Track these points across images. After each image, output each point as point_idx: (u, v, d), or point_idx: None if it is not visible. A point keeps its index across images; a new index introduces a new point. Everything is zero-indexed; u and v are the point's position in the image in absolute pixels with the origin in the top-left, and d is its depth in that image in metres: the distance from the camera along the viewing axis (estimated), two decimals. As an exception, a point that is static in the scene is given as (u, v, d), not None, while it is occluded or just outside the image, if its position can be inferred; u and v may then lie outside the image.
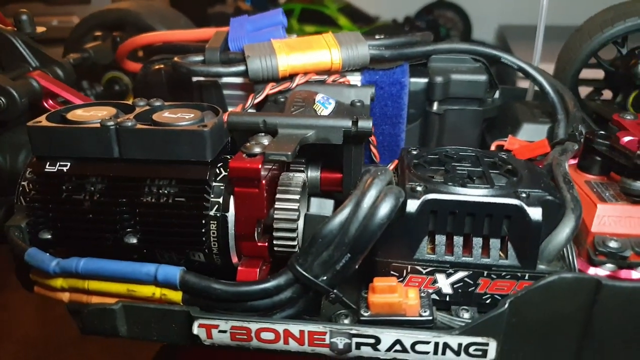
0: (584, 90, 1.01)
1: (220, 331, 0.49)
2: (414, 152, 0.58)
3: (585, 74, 0.98)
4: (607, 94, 0.99)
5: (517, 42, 2.00)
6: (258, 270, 0.56)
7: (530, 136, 0.70)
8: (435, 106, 0.71)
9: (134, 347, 1.32)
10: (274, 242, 0.55)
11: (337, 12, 2.06)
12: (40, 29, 0.75)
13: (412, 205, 0.49)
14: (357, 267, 0.49)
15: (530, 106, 0.78)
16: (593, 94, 1.00)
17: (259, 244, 0.56)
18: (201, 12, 1.91)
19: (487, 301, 0.52)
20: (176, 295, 0.51)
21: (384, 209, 0.47)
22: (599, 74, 0.98)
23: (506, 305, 0.47)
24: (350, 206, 0.49)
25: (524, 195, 0.49)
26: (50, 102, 0.71)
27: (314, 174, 0.65)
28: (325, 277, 0.49)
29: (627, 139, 0.63)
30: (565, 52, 0.97)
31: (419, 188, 0.50)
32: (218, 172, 0.56)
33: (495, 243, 0.51)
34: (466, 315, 0.52)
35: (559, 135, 0.67)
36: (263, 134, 0.57)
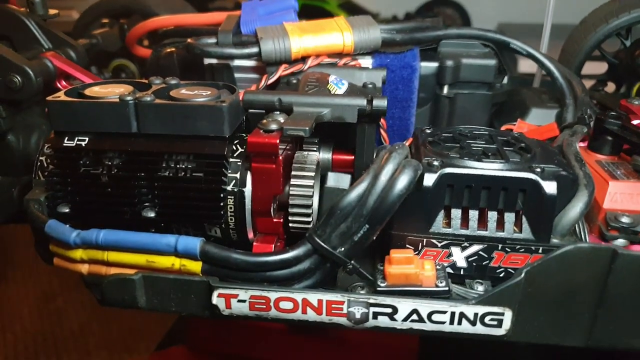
0: (588, 83, 1.02)
1: (239, 301, 0.50)
2: (428, 131, 0.59)
3: (588, 68, 1.00)
4: (611, 88, 1.01)
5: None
6: (273, 246, 0.57)
7: (538, 121, 0.72)
8: (445, 90, 0.72)
9: (132, 339, 1.32)
10: (289, 218, 0.56)
11: (338, 8, 2.08)
12: (52, 11, 0.76)
13: (429, 179, 0.50)
14: (374, 238, 0.50)
15: (538, 92, 0.79)
16: (596, 87, 1.01)
17: (275, 220, 0.56)
18: (202, 7, 1.92)
19: (501, 275, 0.53)
20: (196, 266, 0.51)
21: (402, 181, 0.48)
22: (601, 68, 1.00)
23: (522, 275, 0.47)
24: (368, 179, 0.49)
25: (538, 170, 0.50)
26: (64, 83, 0.71)
27: (326, 155, 0.65)
28: (342, 249, 0.50)
29: (635, 122, 0.64)
30: (570, 43, 0.98)
31: (435, 162, 0.51)
32: (235, 148, 0.56)
33: (509, 217, 0.51)
34: (480, 288, 0.53)
35: (567, 119, 0.68)
36: (278, 112, 0.57)
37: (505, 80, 0.76)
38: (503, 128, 0.69)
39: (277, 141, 0.52)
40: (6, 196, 0.68)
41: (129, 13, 1.00)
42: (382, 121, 0.70)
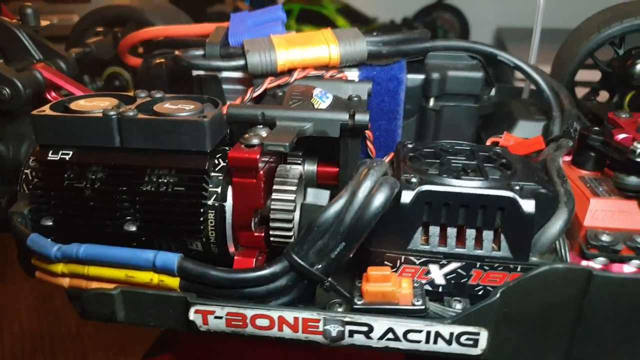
0: (580, 92, 1.02)
1: (216, 317, 0.50)
2: (410, 146, 0.59)
3: (583, 75, 0.99)
4: (605, 96, 1.00)
5: (514, 45, 2.01)
6: (254, 260, 0.57)
7: (525, 133, 0.71)
8: (431, 102, 0.72)
9: (129, 341, 1.33)
10: (270, 232, 0.56)
11: (336, 12, 2.08)
12: (44, 23, 0.76)
13: (407, 196, 0.50)
14: (351, 256, 0.50)
15: (526, 104, 0.79)
16: (589, 95, 1.01)
17: (256, 234, 0.57)
18: (200, 11, 1.92)
19: (480, 292, 0.53)
20: (174, 282, 0.52)
21: (379, 199, 0.48)
22: (595, 75, 0.99)
23: (498, 295, 0.47)
24: (346, 196, 0.50)
25: (517, 187, 0.50)
26: (53, 93, 0.72)
27: (310, 167, 0.66)
28: (320, 266, 0.50)
29: (621, 136, 0.64)
30: (563, 52, 0.98)
31: (413, 179, 0.51)
32: (217, 162, 0.57)
33: (488, 235, 0.51)
34: (458, 306, 0.53)
35: (554, 132, 0.68)
36: (261, 126, 0.58)
37: (493, 92, 0.75)
38: (489, 141, 0.69)
39: (257, 156, 0.52)
40: (-5, 205, 0.69)
41: (123, 21, 1.00)
42: (369, 133, 0.70)
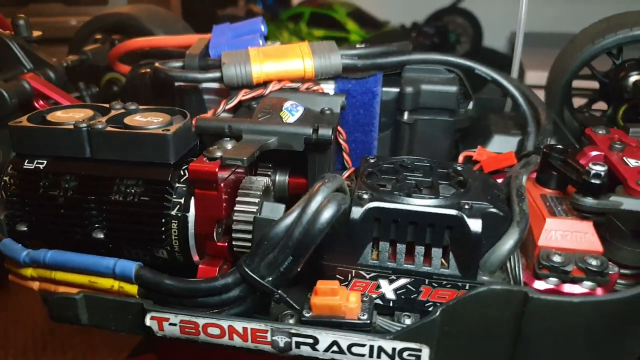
0: (578, 102, 1.01)
1: (170, 324, 0.52)
2: (372, 161, 0.60)
3: (584, 85, 0.99)
4: (603, 106, 0.99)
5: (528, 49, 1.98)
6: (218, 268, 0.59)
7: (501, 147, 0.71)
8: (405, 115, 0.72)
9: (132, 339, 1.35)
10: (233, 242, 0.58)
11: (346, 16, 2.07)
12: (36, 33, 0.80)
13: (356, 212, 0.51)
14: (299, 269, 0.51)
15: (505, 117, 0.79)
16: (586, 105, 1.00)
17: (219, 244, 0.58)
18: (212, 14, 1.94)
19: (430, 308, 0.53)
20: (132, 288, 0.54)
21: (325, 215, 0.49)
22: (594, 84, 0.98)
23: (437, 313, 0.48)
24: (297, 211, 0.51)
25: (466, 206, 0.51)
26: (41, 102, 0.75)
27: (282, 178, 0.67)
28: (270, 278, 0.51)
29: (594, 153, 0.64)
30: (559, 62, 0.97)
31: (365, 196, 0.52)
32: (182, 173, 0.59)
33: (437, 252, 0.52)
34: (407, 321, 0.53)
35: (527, 147, 0.68)
36: (228, 138, 0.59)
37: (471, 105, 0.75)
38: (462, 155, 0.70)
39: (216, 169, 0.54)
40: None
41: (122, 28, 1.03)
42: (345, 145, 0.71)
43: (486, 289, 0.47)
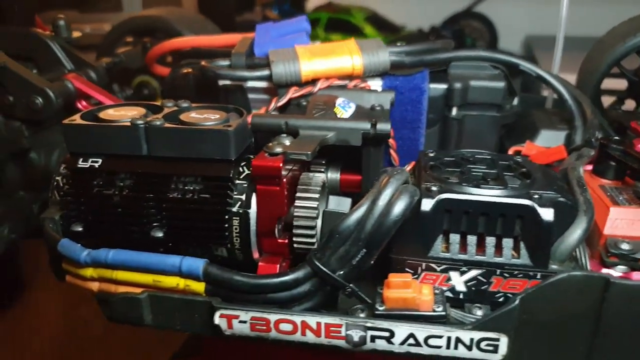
0: (608, 100, 1.01)
1: (240, 321, 0.51)
2: (431, 155, 0.60)
3: (611, 84, 0.99)
4: (631, 104, 0.99)
5: (544, 53, 1.99)
6: (278, 266, 0.58)
7: (547, 142, 0.72)
8: (454, 111, 0.72)
9: (156, 347, 1.34)
10: (294, 239, 0.57)
11: (364, 21, 2.08)
12: (76, 34, 0.79)
13: (427, 204, 0.51)
14: (372, 262, 0.51)
15: (549, 113, 0.79)
16: (616, 104, 1.00)
17: (279, 240, 0.58)
18: (229, 20, 1.94)
19: (500, 299, 0.53)
20: (199, 286, 0.53)
21: (399, 207, 0.49)
22: (623, 84, 0.98)
23: (517, 302, 0.48)
24: (366, 203, 0.51)
25: (536, 196, 0.51)
26: (84, 103, 0.74)
27: (333, 175, 0.67)
28: (342, 272, 0.51)
29: (642, 145, 0.64)
30: (588, 62, 0.98)
31: (434, 188, 0.52)
32: (241, 170, 0.58)
33: (507, 242, 0.52)
34: (479, 312, 0.53)
35: (575, 141, 0.68)
36: (285, 135, 0.59)
37: (516, 101, 0.76)
38: (512, 150, 0.70)
39: (281, 164, 0.53)
40: (28, 211, 0.72)
41: (152, 31, 1.03)
42: (392, 142, 0.71)
43: (566, 275, 0.47)
